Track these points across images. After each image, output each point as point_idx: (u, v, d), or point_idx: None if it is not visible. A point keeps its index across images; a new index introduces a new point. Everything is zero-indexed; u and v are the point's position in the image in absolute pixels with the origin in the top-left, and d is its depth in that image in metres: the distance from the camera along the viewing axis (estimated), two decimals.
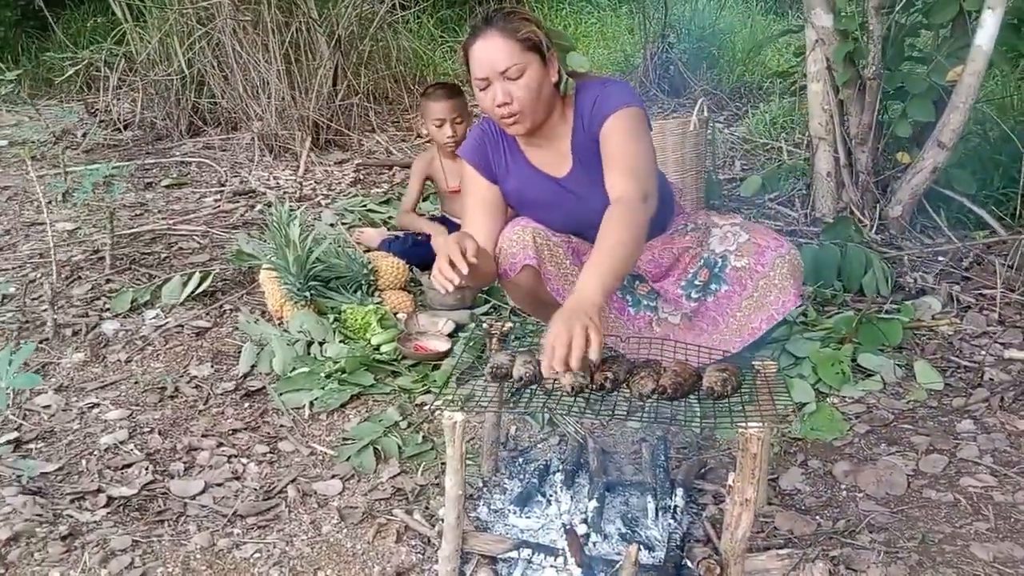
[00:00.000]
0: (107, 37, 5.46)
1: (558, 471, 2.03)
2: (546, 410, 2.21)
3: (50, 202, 3.95)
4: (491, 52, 1.91)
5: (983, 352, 2.57)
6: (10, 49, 6.83)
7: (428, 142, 5.05)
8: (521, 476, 2.08)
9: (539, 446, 2.25)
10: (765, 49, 6.15)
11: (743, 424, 1.53)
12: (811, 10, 3.29)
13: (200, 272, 3.13)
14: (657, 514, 1.87)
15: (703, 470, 2.10)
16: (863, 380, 2.44)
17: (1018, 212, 3.14)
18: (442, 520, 1.77)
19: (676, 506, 1.88)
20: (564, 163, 2.09)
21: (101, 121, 5.41)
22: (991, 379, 2.43)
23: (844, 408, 2.33)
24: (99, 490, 2.04)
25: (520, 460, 2.16)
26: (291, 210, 2.86)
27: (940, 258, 3.16)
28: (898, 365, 2.49)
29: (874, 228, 3.32)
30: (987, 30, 2.87)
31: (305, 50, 4.92)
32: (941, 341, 2.64)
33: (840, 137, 3.38)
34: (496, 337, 1.98)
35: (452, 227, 3.16)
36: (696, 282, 2.15)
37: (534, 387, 1.72)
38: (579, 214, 2.05)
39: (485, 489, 2.05)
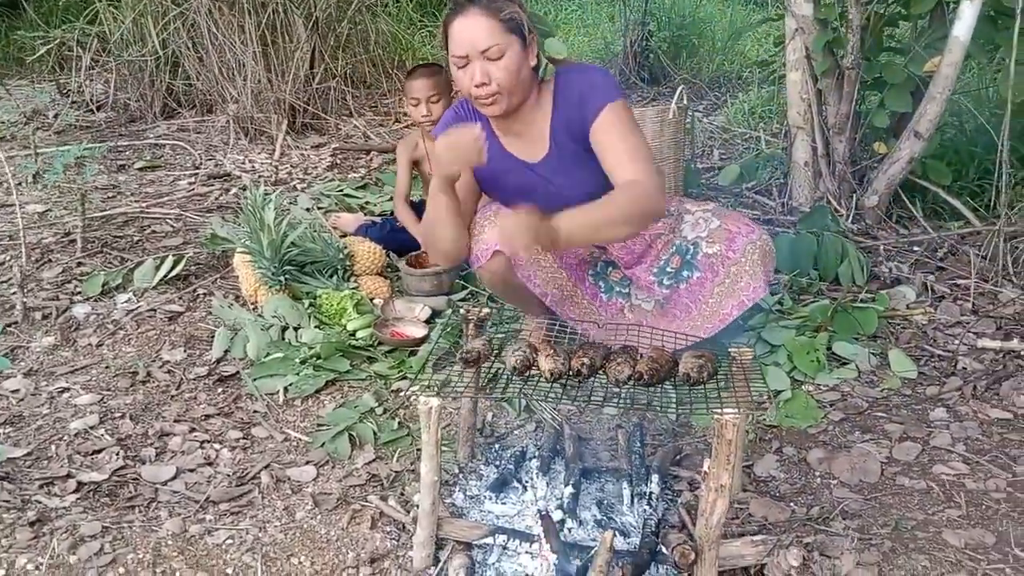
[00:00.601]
0: (80, 16, 5.35)
1: (534, 457, 2.03)
2: (522, 396, 2.21)
3: (20, 183, 3.87)
4: (472, 30, 1.89)
5: (957, 341, 2.59)
6: None
7: (407, 127, 5.01)
8: (497, 462, 2.08)
9: (515, 432, 2.24)
10: (744, 38, 6.16)
11: (719, 410, 1.53)
12: None
13: (173, 256, 3.08)
14: (632, 500, 1.87)
15: (678, 457, 2.10)
16: (838, 368, 2.46)
17: (992, 203, 3.17)
18: (417, 506, 1.76)
19: (651, 492, 1.89)
20: (539, 148, 2.07)
21: (73, 102, 5.31)
22: (964, 368, 2.45)
23: (819, 396, 2.34)
24: (68, 475, 2.01)
25: (496, 446, 2.15)
26: (266, 194, 2.82)
27: (915, 248, 3.18)
28: (873, 354, 2.51)
29: (850, 218, 3.33)
30: (965, 21, 2.88)
31: (282, 32, 4.85)
32: (915, 330, 2.66)
33: (818, 126, 3.39)
34: (473, 323, 1.97)
35: None
36: (668, 269, 2.14)
37: (511, 373, 1.72)
38: (550, 200, 2.03)
39: (461, 475, 2.04)
